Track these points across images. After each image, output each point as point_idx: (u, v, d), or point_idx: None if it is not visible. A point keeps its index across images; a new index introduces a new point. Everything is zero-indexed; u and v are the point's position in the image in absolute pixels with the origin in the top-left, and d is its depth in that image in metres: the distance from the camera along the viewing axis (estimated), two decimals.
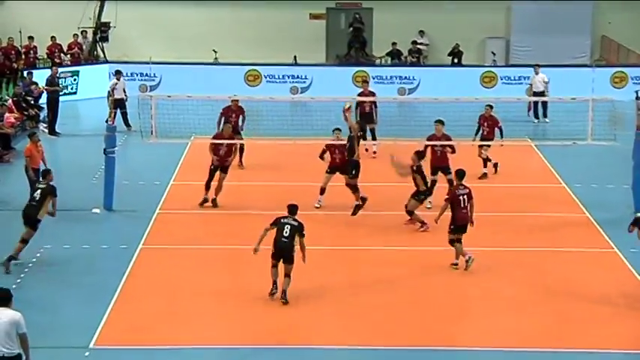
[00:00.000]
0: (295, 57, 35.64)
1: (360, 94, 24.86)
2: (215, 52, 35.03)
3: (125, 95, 27.78)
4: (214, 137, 20.51)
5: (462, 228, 16.65)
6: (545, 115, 29.00)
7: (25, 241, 16.72)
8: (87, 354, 13.62)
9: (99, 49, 34.03)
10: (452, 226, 16.64)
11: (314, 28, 37.00)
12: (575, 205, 20.64)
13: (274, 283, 15.40)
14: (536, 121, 29.06)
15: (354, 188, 19.23)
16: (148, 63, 33.01)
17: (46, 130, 27.31)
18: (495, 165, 22.76)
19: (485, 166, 22.49)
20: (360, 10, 36.65)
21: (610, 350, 13.88)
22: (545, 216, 19.91)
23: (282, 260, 15.25)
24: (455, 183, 17.01)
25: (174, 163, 23.36)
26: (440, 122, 20.16)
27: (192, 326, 14.57)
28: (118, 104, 27.79)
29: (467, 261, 16.68)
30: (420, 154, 18.81)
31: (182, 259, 17.25)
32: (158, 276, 16.53)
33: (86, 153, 24.39)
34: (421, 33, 36.72)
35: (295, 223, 15.27)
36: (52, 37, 32.86)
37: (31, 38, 32.71)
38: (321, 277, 16.23)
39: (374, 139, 23.87)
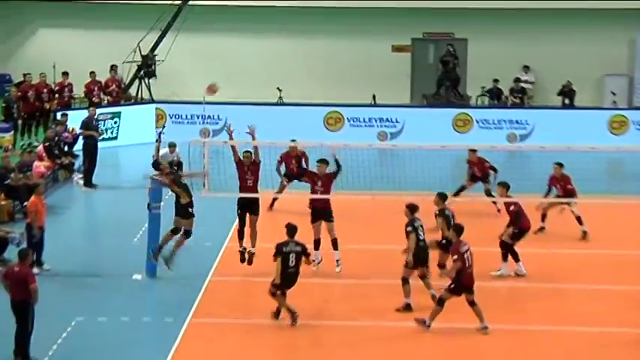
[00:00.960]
0: (374, 96, 35.72)
1: (469, 161, 24.84)
2: (279, 90, 35.30)
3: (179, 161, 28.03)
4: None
5: (469, 288, 17.04)
6: None
7: (174, 231, 19.47)
8: None
9: (144, 86, 34.50)
10: (452, 285, 17.03)
11: (397, 63, 37.11)
12: None
13: (289, 310, 17.25)
14: None
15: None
16: (200, 103, 33.33)
17: (82, 182, 27.63)
18: (542, 229, 22.64)
19: (580, 223, 22.49)
20: (452, 40, 36.65)
21: None
22: None
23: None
24: (454, 240, 17.29)
25: (230, 222, 23.23)
26: (503, 186, 20.48)
27: None
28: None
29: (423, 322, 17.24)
30: (412, 208, 18.55)
31: (238, 336, 17.17)
32: (209, 355, 16.46)
33: (127, 208, 24.58)
34: (525, 69, 36.54)
35: (299, 249, 17.28)
36: (92, 73, 33.37)
37: (65, 74, 33.29)
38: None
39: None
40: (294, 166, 24.44)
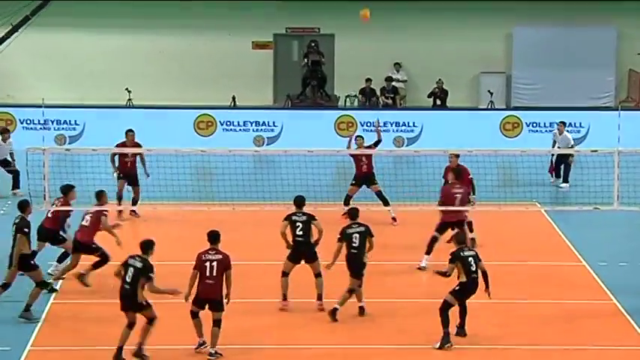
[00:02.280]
0: (234, 97, 35.77)
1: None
2: (129, 91, 35.08)
3: (12, 159, 27.63)
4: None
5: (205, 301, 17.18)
6: (565, 180, 29.00)
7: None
8: None
9: None
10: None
11: (258, 61, 37.19)
12: (600, 290, 20.67)
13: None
14: (552, 179, 29.11)
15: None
16: (39, 106, 32.95)
17: None
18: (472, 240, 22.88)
19: (470, 230, 22.57)
20: (317, 36, 36.91)
21: None
22: (561, 303, 19.93)
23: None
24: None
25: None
26: None
27: None
28: (2, 163, 27.62)
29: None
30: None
31: None
32: None
33: None
34: (397, 66, 37.02)
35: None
36: None
37: None
38: None
39: (386, 204, 24.35)
40: (129, 161, 24.83)
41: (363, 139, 25.22)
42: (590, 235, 23.80)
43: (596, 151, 22.69)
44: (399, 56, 36.96)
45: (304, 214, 19.13)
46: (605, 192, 21.19)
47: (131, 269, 16.69)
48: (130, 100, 35.16)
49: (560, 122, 29.66)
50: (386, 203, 24.35)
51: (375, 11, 36.23)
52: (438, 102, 36.01)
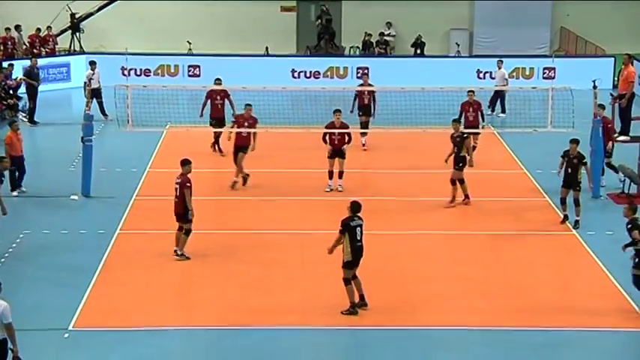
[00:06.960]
0: (267, 48, 35.62)
1: (360, 86, 23.99)
2: (189, 43, 34.94)
3: (99, 84, 27.51)
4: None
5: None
6: (503, 111, 27.82)
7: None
8: (66, 335, 13.63)
9: (76, 40, 33.84)
10: None
11: (285, 20, 37.02)
12: (536, 190, 20.80)
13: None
14: (490, 113, 28.44)
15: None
16: (124, 54, 32.80)
17: (26, 119, 27.06)
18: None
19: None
20: (327, 2, 36.63)
21: (564, 328, 14.16)
22: (507, 201, 20.06)
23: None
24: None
25: (151, 151, 23.27)
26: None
27: (170, 309, 14.59)
28: (95, 94, 27.51)
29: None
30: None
31: (159, 243, 17.13)
32: (135, 260, 16.49)
33: (64, 141, 24.22)
34: (388, 24, 36.78)
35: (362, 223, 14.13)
36: (38, 29, 32.58)
37: (9, 29, 32.37)
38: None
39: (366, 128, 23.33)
40: (218, 102, 22.60)
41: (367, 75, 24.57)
42: (530, 150, 23.79)
43: (535, 87, 22.64)
44: (390, 17, 36.69)
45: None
46: (541, 118, 21.18)
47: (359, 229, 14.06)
48: (190, 49, 34.93)
49: (499, 60, 28.92)
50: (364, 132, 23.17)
51: None
52: (418, 51, 35.72)
